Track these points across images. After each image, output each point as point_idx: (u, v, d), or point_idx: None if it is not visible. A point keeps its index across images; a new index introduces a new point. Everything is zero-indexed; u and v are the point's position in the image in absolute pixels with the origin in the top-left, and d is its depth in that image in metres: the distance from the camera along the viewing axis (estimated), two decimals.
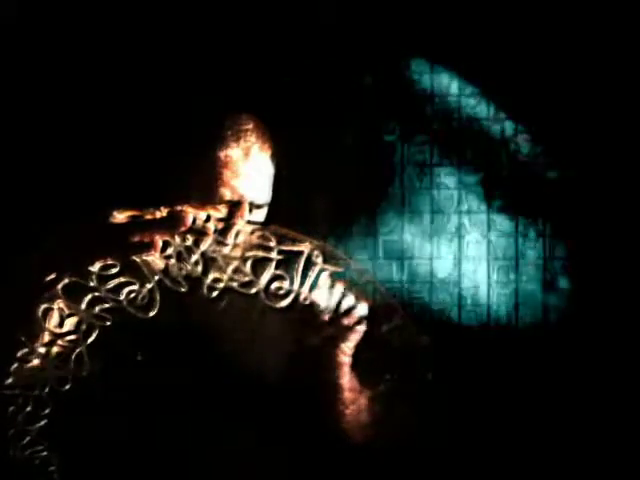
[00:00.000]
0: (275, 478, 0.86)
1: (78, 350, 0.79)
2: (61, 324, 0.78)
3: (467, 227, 1.16)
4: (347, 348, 0.82)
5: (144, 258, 0.78)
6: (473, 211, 1.16)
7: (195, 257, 0.79)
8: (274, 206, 0.95)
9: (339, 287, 0.81)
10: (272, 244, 0.79)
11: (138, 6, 1.07)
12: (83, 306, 0.78)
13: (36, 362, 0.79)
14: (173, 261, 0.78)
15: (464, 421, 1.06)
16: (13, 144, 1.05)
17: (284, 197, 0.98)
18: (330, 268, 0.80)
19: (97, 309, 0.79)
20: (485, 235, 1.16)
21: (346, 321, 0.82)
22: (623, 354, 1.16)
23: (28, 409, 0.80)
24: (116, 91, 1.04)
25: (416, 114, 1.16)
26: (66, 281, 0.77)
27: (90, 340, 0.79)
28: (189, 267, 0.79)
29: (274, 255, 0.79)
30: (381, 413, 0.83)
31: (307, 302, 0.80)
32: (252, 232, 0.79)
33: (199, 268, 0.79)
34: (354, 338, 0.82)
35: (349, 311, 0.82)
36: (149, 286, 0.79)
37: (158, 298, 0.79)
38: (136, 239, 0.76)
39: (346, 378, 0.82)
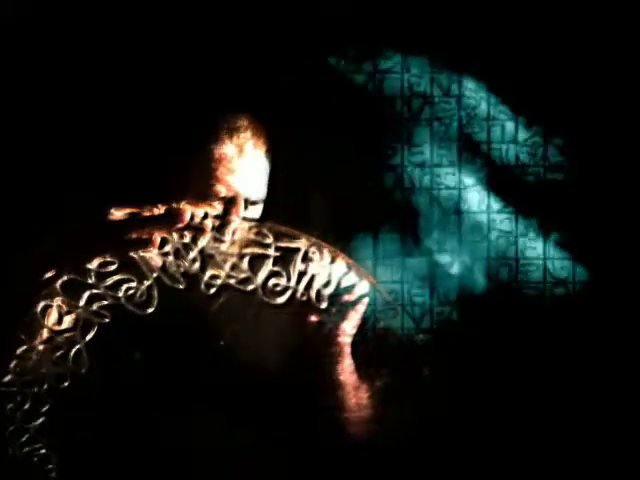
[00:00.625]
0: (274, 476, 0.86)
1: (77, 347, 0.80)
2: (60, 321, 0.79)
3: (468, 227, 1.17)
4: (348, 328, 0.83)
5: (142, 255, 0.78)
6: (472, 210, 1.17)
7: (193, 254, 0.79)
8: (269, 203, 0.96)
9: (341, 264, 0.81)
10: (269, 241, 0.80)
11: (136, 6, 1.06)
12: (82, 303, 0.79)
13: (35, 359, 0.79)
14: (171, 258, 0.79)
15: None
16: (13, 144, 1.04)
17: (279, 194, 0.98)
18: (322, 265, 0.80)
19: (95, 306, 0.79)
20: (485, 235, 1.17)
21: (347, 297, 0.82)
22: (623, 354, 1.16)
23: (27, 406, 0.80)
24: (113, 91, 1.04)
25: (416, 114, 1.16)
26: (65, 278, 0.77)
27: (88, 337, 0.79)
28: (187, 264, 0.79)
29: (271, 252, 0.80)
30: (380, 409, 0.84)
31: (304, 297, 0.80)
32: (249, 229, 0.80)
33: (197, 265, 0.79)
34: (355, 317, 0.82)
35: (351, 288, 0.82)
36: (147, 283, 0.79)
37: (156, 295, 0.79)
38: (134, 236, 0.77)
39: (347, 363, 0.83)
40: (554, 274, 1.17)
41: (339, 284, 0.81)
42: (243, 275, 0.80)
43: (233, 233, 0.80)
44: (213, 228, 0.79)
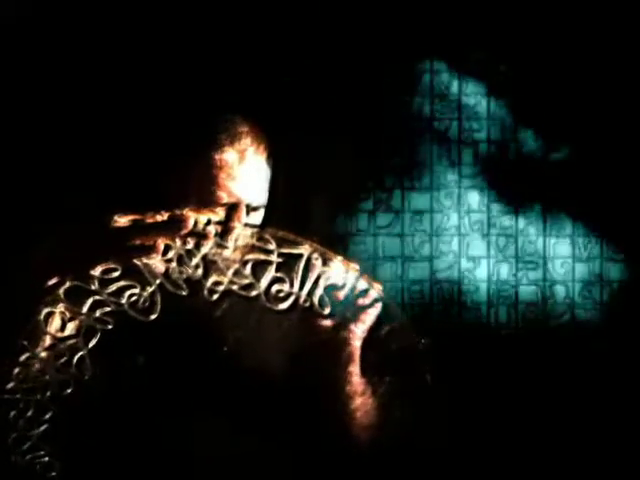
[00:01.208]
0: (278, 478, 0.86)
1: (80, 354, 0.79)
2: (63, 328, 0.78)
3: (467, 226, 1.17)
4: (359, 331, 0.83)
5: (145, 261, 0.78)
6: (472, 210, 1.17)
7: (196, 260, 0.79)
8: (270, 209, 0.96)
9: (353, 270, 0.81)
10: (272, 247, 0.80)
11: (136, 8, 1.06)
12: (85, 310, 0.78)
13: (37, 366, 0.79)
14: (174, 264, 0.79)
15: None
16: (13, 145, 1.04)
17: (280, 200, 0.98)
18: (329, 270, 0.80)
19: (99, 313, 0.79)
20: (485, 233, 1.17)
21: (361, 301, 0.82)
22: (623, 355, 1.16)
23: (29, 413, 0.80)
24: (115, 94, 1.04)
25: (416, 114, 1.16)
26: (68, 285, 0.77)
27: (92, 344, 0.79)
28: (190, 270, 0.79)
29: (274, 258, 0.80)
30: (383, 414, 0.84)
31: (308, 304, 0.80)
32: (252, 235, 0.80)
33: (200, 271, 0.79)
34: (367, 320, 0.82)
35: (365, 292, 0.82)
36: (150, 289, 0.79)
37: (159, 301, 0.79)
38: (137, 242, 0.77)
39: (356, 367, 0.83)
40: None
41: (354, 288, 0.81)
42: (246, 281, 0.80)
43: (236, 239, 0.79)
44: (216, 234, 0.79)
